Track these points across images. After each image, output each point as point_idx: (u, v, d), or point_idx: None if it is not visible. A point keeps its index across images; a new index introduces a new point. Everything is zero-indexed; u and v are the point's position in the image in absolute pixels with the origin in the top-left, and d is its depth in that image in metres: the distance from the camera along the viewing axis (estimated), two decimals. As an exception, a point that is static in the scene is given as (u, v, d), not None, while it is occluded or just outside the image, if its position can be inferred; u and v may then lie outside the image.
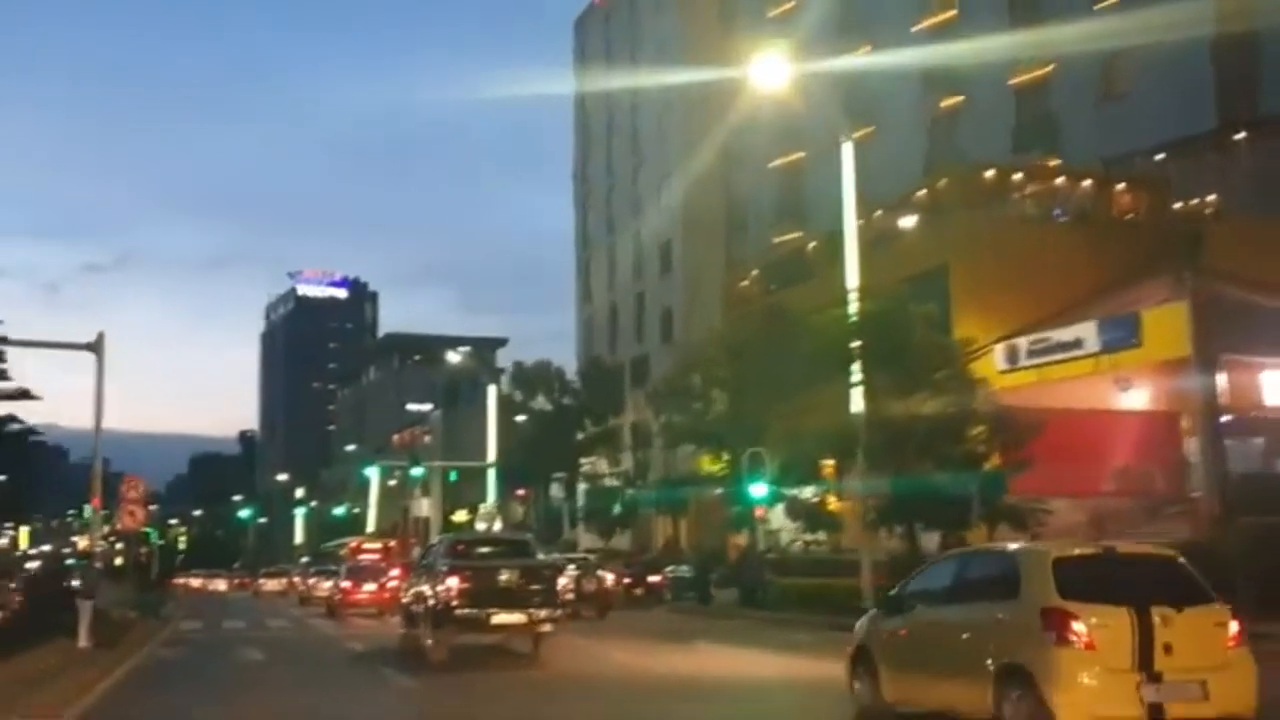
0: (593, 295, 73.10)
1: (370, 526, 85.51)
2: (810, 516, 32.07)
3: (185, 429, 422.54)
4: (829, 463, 29.93)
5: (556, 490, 60.69)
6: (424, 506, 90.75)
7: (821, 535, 33.73)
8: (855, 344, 25.53)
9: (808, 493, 31.60)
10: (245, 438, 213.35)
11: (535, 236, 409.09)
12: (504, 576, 17.28)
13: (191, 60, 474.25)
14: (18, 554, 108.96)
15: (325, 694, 14.77)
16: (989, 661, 8.92)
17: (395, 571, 32.28)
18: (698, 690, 13.91)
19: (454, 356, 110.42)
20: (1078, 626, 8.35)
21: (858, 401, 25.49)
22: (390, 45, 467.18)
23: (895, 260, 33.32)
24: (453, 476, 72.99)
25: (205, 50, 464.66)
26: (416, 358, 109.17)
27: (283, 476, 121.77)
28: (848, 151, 26.23)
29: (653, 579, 36.52)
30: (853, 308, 25.80)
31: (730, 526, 38.89)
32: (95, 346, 22.22)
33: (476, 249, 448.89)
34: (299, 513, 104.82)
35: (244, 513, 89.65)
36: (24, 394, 54.66)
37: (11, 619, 22.08)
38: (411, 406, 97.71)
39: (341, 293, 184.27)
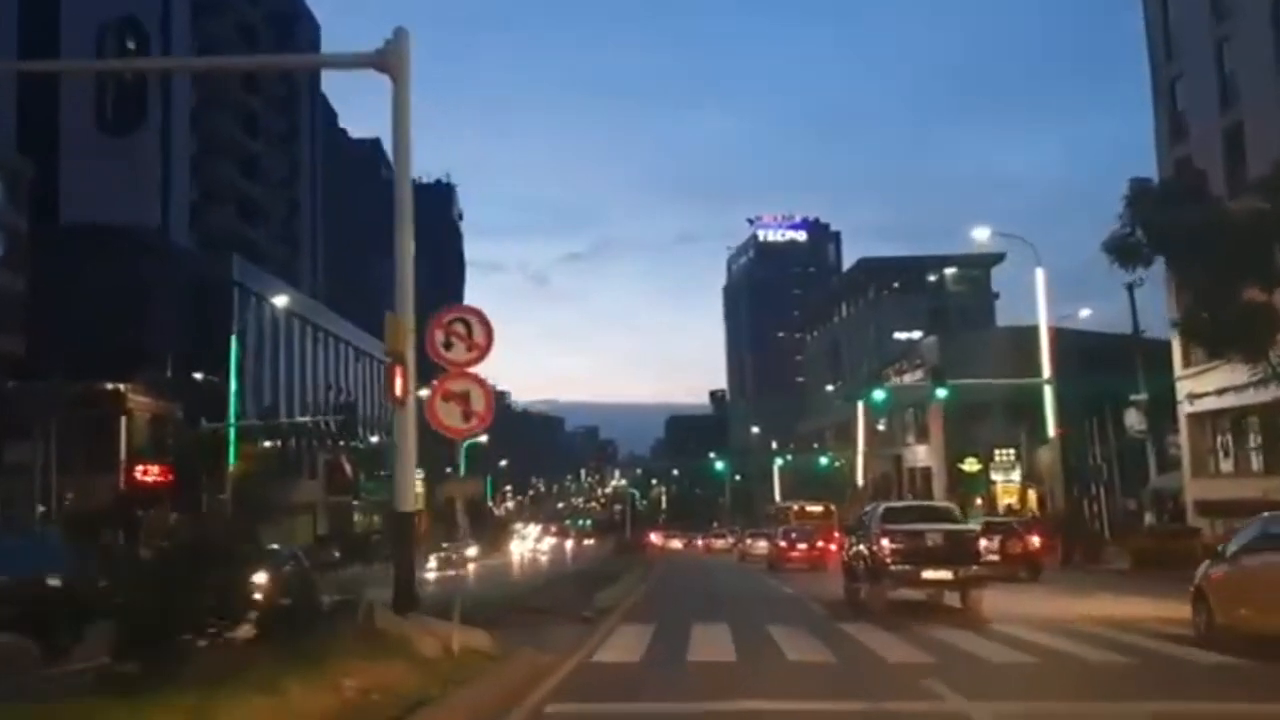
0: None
1: (859, 478, 72.54)
2: None
3: (663, 398, 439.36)
4: None
5: (1135, 419, 42.57)
6: (920, 454, 75.43)
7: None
8: None
9: None
10: (716, 398, 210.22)
11: (994, 181, 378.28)
12: (930, 539, 19.12)
13: (650, 61, 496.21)
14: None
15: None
16: None
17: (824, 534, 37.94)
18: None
19: (948, 272, 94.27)
20: None
21: None
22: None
23: None
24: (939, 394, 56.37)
25: (661, 51, 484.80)
26: (895, 285, 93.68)
27: (755, 429, 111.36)
28: None
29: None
30: None
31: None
32: (383, 57, 13.31)
33: (933, 197, 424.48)
34: (776, 466, 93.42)
35: (719, 465, 79.82)
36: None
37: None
38: (899, 335, 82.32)
39: (801, 235, 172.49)
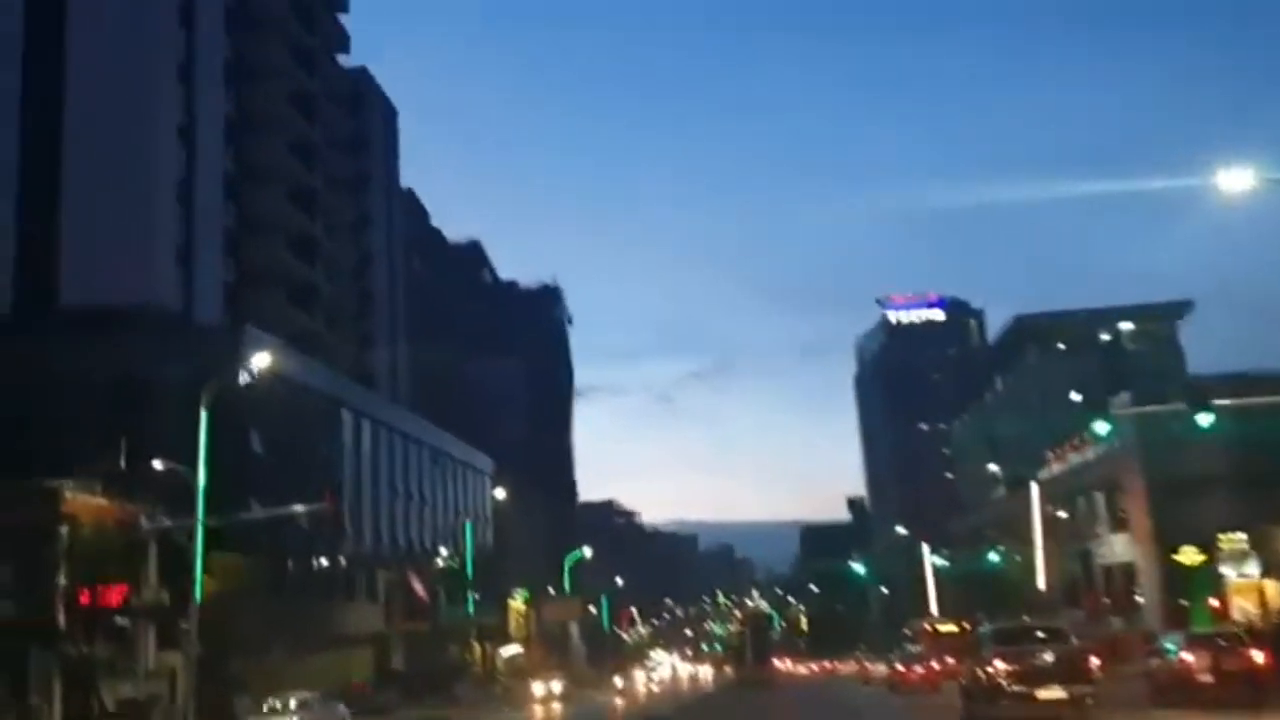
0: None
1: (1039, 579, 58.02)
2: None
3: (800, 513, 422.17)
4: None
5: None
6: (1116, 547, 60.20)
7: None
8: None
9: None
10: (854, 505, 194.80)
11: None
12: (1042, 658, 19.75)
13: (759, 170, 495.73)
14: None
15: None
16: None
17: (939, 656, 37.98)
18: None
19: (1123, 326, 79.10)
20: None
21: None
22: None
23: None
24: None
25: (768, 159, 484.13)
26: (1059, 346, 79.31)
27: (901, 530, 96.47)
28: None
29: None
30: None
31: None
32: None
33: (1074, 287, 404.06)
34: (929, 569, 78.55)
35: (858, 569, 66.22)
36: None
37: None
38: (1075, 397, 67.88)
39: (937, 314, 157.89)
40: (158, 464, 33.55)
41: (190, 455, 33.65)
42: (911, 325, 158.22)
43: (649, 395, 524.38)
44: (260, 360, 32.98)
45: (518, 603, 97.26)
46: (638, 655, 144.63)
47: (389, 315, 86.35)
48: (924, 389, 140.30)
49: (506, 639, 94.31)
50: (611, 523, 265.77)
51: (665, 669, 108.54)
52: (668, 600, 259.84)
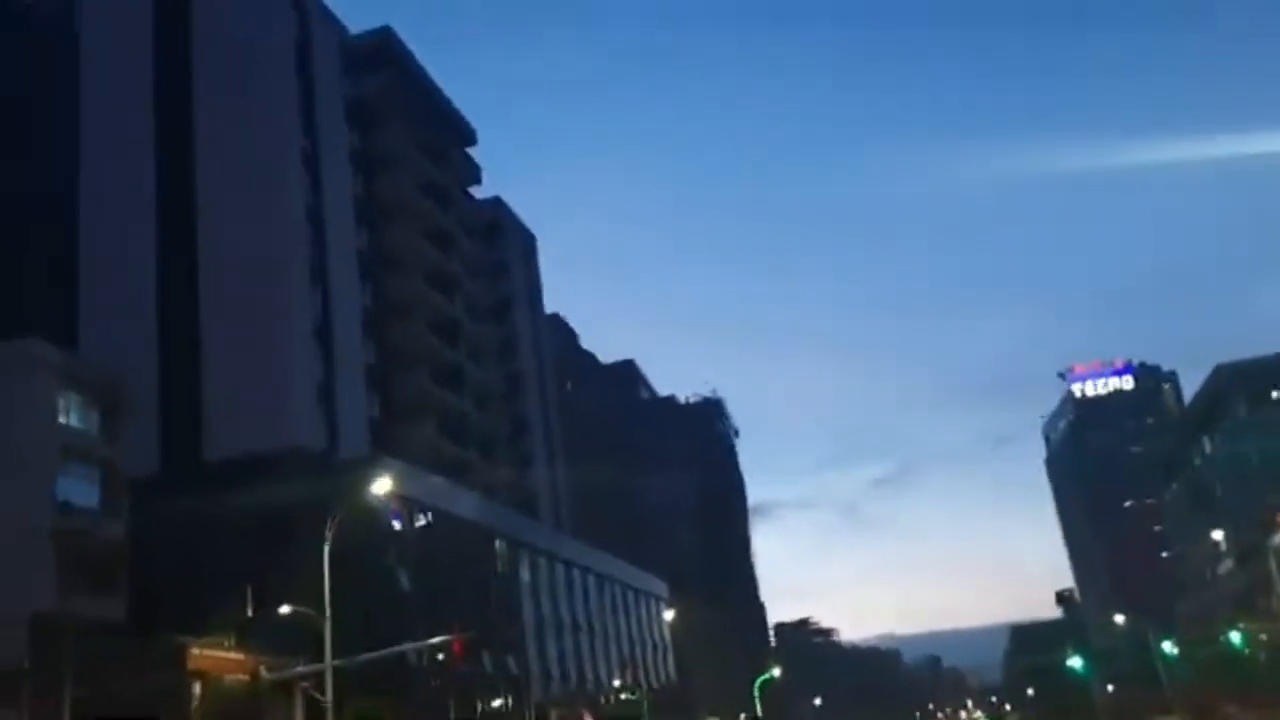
0: None
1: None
2: None
3: (1006, 614, 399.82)
4: None
5: None
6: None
7: None
8: None
9: None
10: (1063, 598, 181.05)
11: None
12: None
13: (924, 272, 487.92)
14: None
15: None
16: None
17: None
18: None
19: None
20: None
21: None
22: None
23: None
24: None
25: (933, 259, 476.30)
26: (1274, 394, 71.03)
27: (1119, 619, 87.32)
28: None
29: None
30: None
31: None
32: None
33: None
34: (1160, 660, 69.92)
35: (1075, 665, 58.61)
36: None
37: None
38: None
39: (1126, 381, 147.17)
40: (285, 609, 31.39)
41: (335, 596, 31.57)
42: (1099, 397, 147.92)
43: (834, 507, 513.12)
44: (381, 486, 30.59)
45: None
46: None
47: (544, 438, 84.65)
48: (1122, 463, 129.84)
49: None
50: (809, 642, 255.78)
51: None
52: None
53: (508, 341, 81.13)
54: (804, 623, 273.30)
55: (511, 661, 53.77)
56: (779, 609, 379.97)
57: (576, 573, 69.90)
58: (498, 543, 56.60)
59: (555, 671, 62.55)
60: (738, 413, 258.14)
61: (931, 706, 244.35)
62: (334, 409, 52.96)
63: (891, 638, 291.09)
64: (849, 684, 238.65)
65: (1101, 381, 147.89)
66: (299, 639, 34.08)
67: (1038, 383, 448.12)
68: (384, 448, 55.01)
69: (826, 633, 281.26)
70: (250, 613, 33.18)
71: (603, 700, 65.96)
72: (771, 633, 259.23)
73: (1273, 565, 51.04)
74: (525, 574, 61.01)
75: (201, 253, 51.19)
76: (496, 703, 54.12)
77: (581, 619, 67.26)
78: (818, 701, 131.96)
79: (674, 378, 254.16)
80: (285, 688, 32.98)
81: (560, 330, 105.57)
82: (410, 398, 60.55)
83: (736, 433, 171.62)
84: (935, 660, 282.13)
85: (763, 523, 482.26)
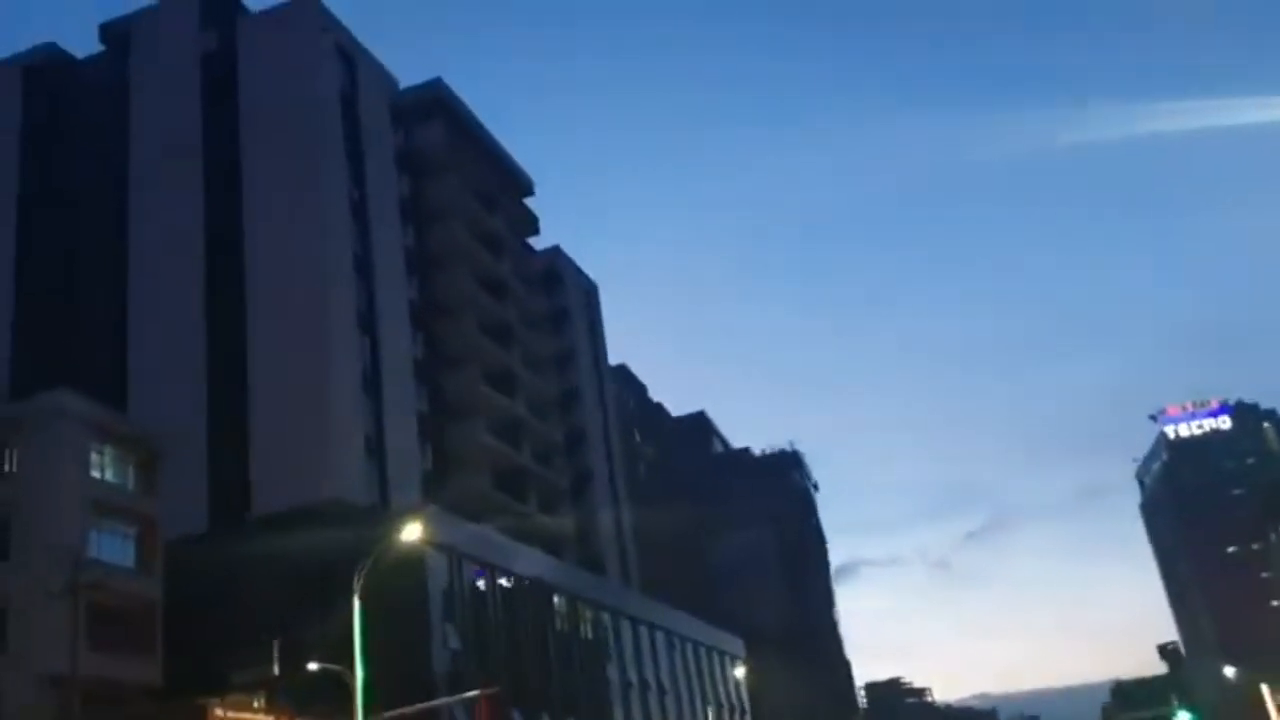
0: None
1: None
2: None
3: (1107, 670, 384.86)
4: None
5: None
6: None
7: None
8: None
9: None
10: (1166, 651, 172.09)
11: None
12: None
13: (1009, 321, 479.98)
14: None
15: None
16: None
17: None
18: None
19: None
20: None
21: None
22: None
23: None
24: None
25: (1016, 308, 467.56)
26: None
27: (1229, 670, 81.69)
28: None
29: None
30: None
31: None
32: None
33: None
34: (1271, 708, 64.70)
35: (1182, 717, 53.99)
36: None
37: None
38: None
39: (1224, 422, 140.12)
40: (313, 665, 29.49)
41: (374, 651, 29.70)
42: (1195, 438, 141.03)
43: (924, 564, 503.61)
44: (412, 532, 28.65)
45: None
46: None
47: (610, 493, 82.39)
48: (1223, 506, 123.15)
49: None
50: (901, 702, 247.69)
51: None
52: None
53: (569, 393, 79.43)
54: (895, 682, 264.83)
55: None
56: (870, 669, 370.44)
57: (644, 629, 67.13)
58: (556, 598, 54.23)
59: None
60: (818, 469, 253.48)
61: None
62: (384, 462, 51.50)
63: (987, 697, 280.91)
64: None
65: (1196, 423, 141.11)
66: (333, 697, 32.10)
67: (1130, 430, 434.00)
68: (436, 500, 53.35)
69: (919, 692, 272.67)
70: (277, 669, 31.29)
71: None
72: (861, 693, 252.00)
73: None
74: (588, 631, 58.49)
75: (250, 304, 50.44)
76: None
77: (650, 678, 64.29)
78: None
79: (749, 433, 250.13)
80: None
81: (627, 382, 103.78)
82: (464, 449, 58.94)
83: (816, 486, 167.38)
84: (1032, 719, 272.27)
85: (851, 582, 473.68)
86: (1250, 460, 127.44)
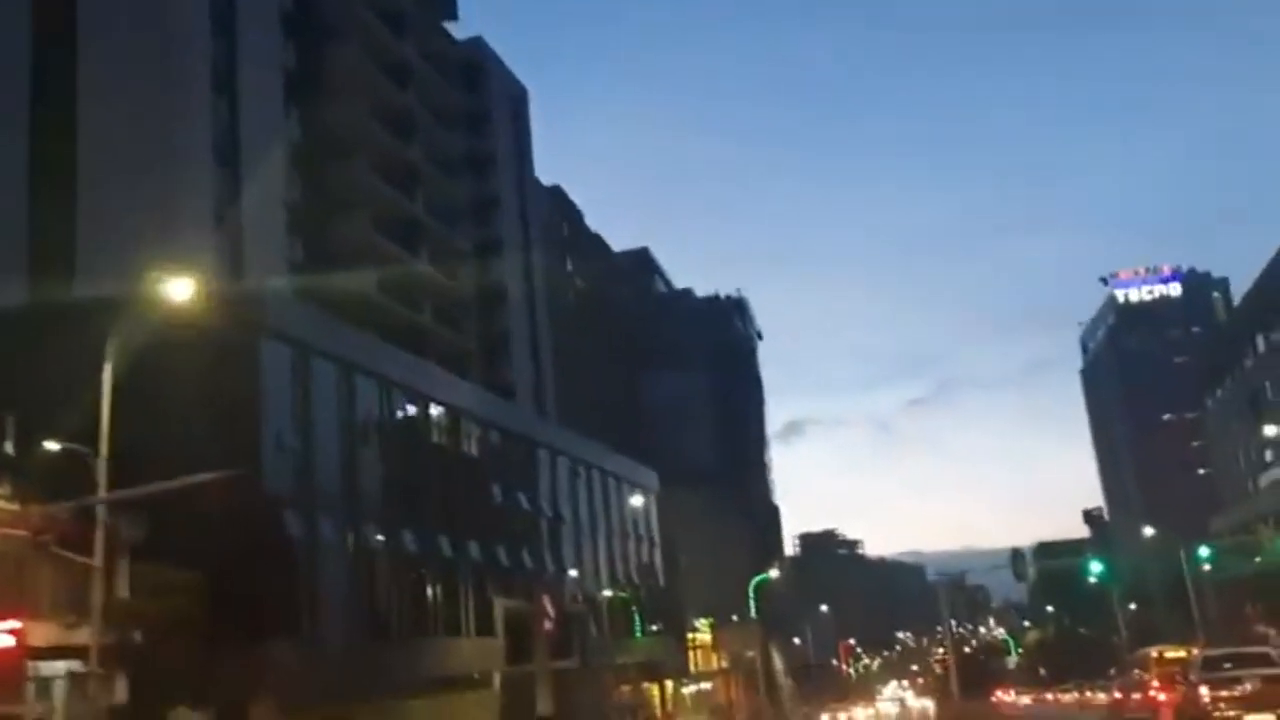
0: None
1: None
2: None
3: (1035, 536, 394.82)
4: None
5: None
6: None
7: None
8: None
9: None
10: (1090, 517, 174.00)
11: None
12: (1248, 684, 20.62)
13: (969, 197, 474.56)
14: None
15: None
16: None
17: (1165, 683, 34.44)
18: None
19: None
20: None
21: None
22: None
23: None
24: None
25: (979, 185, 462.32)
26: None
27: (1149, 531, 79.71)
28: None
29: None
30: None
31: None
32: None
33: None
34: (1187, 565, 62.31)
35: (1095, 565, 52.05)
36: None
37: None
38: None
39: (1174, 289, 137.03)
40: (52, 445, 24.64)
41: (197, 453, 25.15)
42: (1144, 304, 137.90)
43: (869, 426, 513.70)
44: (177, 291, 23.41)
45: (704, 634, 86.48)
46: (864, 690, 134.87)
47: (528, 314, 77.54)
48: (1163, 375, 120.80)
49: (688, 676, 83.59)
50: (833, 553, 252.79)
51: (892, 704, 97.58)
52: (900, 634, 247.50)
53: (486, 201, 73.68)
54: (829, 534, 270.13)
55: (472, 548, 47.51)
56: (809, 522, 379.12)
57: (545, 453, 63.37)
58: (434, 409, 49.58)
59: (506, 560, 56.47)
60: (771, 327, 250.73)
61: (954, 621, 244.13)
62: (240, 249, 45.83)
63: (918, 554, 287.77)
64: (874, 597, 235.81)
65: (1147, 288, 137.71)
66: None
67: (1085, 306, 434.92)
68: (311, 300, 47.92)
69: (852, 544, 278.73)
70: (11, 448, 26.44)
71: (573, 596, 59.67)
72: (797, 542, 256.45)
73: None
74: (476, 449, 54.31)
75: (82, 41, 43.63)
76: (433, 589, 48.02)
77: (551, 504, 60.58)
78: (824, 608, 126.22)
79: (696, 279, 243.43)
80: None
81: (561, 205, 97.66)
82: (345, 244, 53.33)
83: (760, 335, 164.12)
84: (960, 576, 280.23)
85: (797, 440, 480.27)
86: (1196, 329, 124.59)
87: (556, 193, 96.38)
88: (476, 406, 54.63)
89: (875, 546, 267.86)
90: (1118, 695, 43.28)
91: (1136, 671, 44.37)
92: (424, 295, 61.33)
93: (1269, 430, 60.91)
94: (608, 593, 67.78)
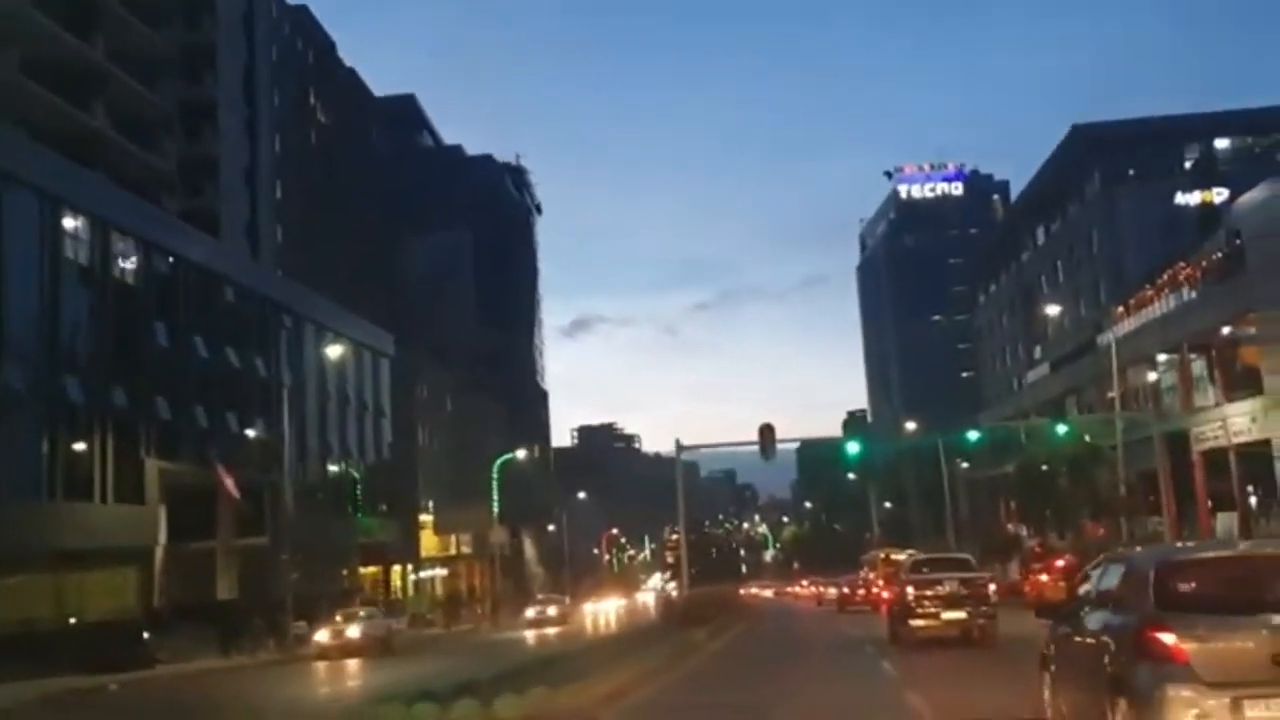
0: None
1: (1120, 469, 38.34)
2: None
3: (803, 435, 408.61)
4: None
5: None
6: (1237, 419, 40.13)
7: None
8: None
9: None
10: (853, 418, 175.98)
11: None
12: (947, 586, 23.93)
13: (767, 110, 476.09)
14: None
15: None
16: None
17: (878, 581, 41.62)
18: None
19: (1220, 144, 57.80)
20: None
21: None
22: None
23: None
24: None
25: (776, 98, 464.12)
26: (1130, 173, 58.60)
27: (911, 425, 76.76)
28: None
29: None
30: None
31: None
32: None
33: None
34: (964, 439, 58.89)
35: (851, 449, 48.36)
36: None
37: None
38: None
39: (957, 188, 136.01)
40: None
41: None
42: (925, 201, 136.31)
43: (656, 327, 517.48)
44: None
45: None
46: (628, 581, 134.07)
47: (248, 142, 66.02)
48: (937, 275, 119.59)
49: (420, 561, 76.36)
50: (610, 446, 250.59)
51: (651, 594, 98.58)
52: (669, 528, 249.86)
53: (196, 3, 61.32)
54: (607, 427, 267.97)
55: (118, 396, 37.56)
56: (590, 416, 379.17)
57: (253, 305, 53.38)
58: (75, 219, 38.77)
59: (205, 422, 47.00)
60: (565, 226, 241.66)
61: (721, 516, 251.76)
62: None
63: (696, 454, 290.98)
64: (647, 491, 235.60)
65: (930, 185, 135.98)
66: None
67: (870, 210, 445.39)
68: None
69: (628, 439, 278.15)
70: None
71: (268, 464, 50.29)
72: (575, 434, 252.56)
73: (1113, 361, 39.14)
74: (140, 281, 43.92)
75: None
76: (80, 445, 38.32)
77: (235, 357, 50.74)
78: (581, 495, 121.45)
79: (476, 144, 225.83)
80: None
81: (306, 27, 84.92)
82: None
83: (539, 208, 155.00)
84: (731, 474, 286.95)
85: (584, 336, 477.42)
86: (974, 230, 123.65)
87: (302, 12, 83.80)
88: (139, 225, 44.03)
89: (652, 443, 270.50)
90: (845, 590, 48.62)
91: (865, 570, 49.63)
92: (98, 94, 49.46)
93: (1052, 309, 57.16)
94: (328, 467, 59.56)
